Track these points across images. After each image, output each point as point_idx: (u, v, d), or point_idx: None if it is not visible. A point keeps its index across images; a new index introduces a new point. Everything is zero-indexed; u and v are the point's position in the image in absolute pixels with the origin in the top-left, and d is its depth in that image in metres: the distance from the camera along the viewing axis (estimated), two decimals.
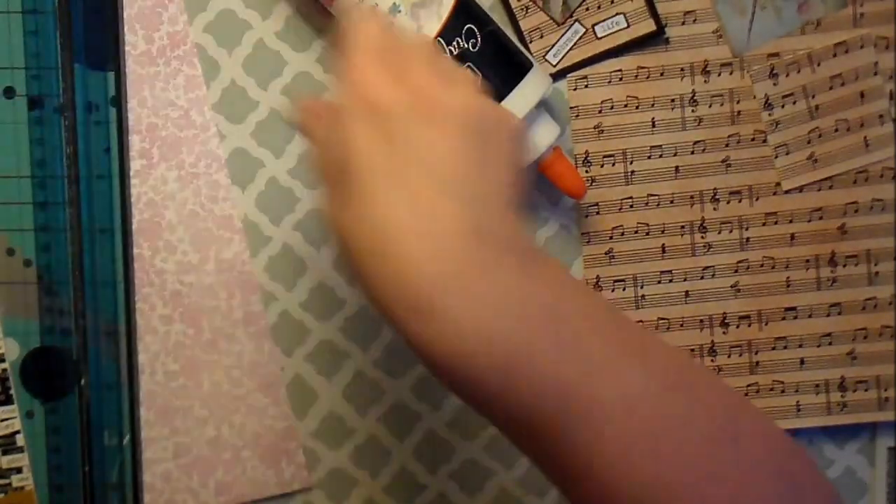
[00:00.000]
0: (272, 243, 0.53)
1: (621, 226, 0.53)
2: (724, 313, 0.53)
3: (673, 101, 0.52)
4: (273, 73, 0.52)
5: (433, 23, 0.46)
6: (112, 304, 0.51)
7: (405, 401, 0.53)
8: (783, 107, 0.52)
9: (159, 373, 0.52)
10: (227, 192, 0.52)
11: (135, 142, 0.52)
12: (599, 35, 0.52)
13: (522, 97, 0.46)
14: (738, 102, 0.52)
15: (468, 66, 0.46)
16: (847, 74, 0.52)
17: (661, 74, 0.52)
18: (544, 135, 0.48)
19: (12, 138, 0.50)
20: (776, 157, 0.52)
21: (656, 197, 0.52)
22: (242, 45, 0.52)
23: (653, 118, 0.52)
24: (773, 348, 0.53)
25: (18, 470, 0.51)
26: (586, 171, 0.52)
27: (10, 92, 0.50)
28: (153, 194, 0.52)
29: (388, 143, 0.33)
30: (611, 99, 0.52)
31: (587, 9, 0.51)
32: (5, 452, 0.51)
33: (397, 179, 0.33)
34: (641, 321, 0.53)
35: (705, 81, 0.52)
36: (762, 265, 0.53)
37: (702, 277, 0.53)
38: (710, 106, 0.52)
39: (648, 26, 0.51)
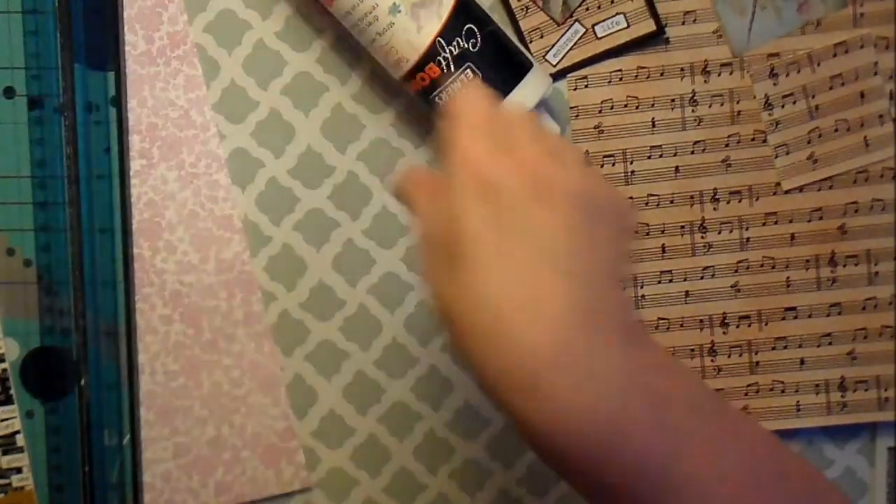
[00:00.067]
0: (272, 243, 0.53)
1: None
2: (724, 313, 0.53)
3: (673, 101, 0.52)
4: (273, 73, 0.52)
5: (433, 23, 0.46)
6: (112, 304, 0.51)
7: (405, 401, 0.54)
8: (783, 107, 0.52)
9: (159, 373, 0.52)
10: (227, 192, 0.52)
11: (135, 142, 0.52)
12: (599, 35, 0.52)
13: (522, 97, 0.46)
14: (738, 102, 0.52)
15: (468, 67, 0.46)
16: (847, 74, 0.52)
17: (661, 74, 0.52)
18: None
19: (12, 138, 0.50)
20: (776, 157, 0.52)
21: (656, 197, 0.52)
22: (242, 45, 0.52)
23: (653, 118, 0.52)
24: (773, 348, 0.53)
25: (18, 470, 0.51)
26: None
27: (10, 92, 0.50)
28: (153, 194, 0.52)
29: (500, 219, 0.34)
30: (611, 99, 0.52)
31: (587, 9, 0.51)
32: (5, 452, 0.51)
33: (508, 256, 0.33)
34: (641, 321, 0.53)
35: (705, 81, 0.52)
36: (762, 265, 0.53)
37: (702, 277, 0.53)
38: (710, 106, 0.52)
39: (648, 26, 0.51)
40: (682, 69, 0.52)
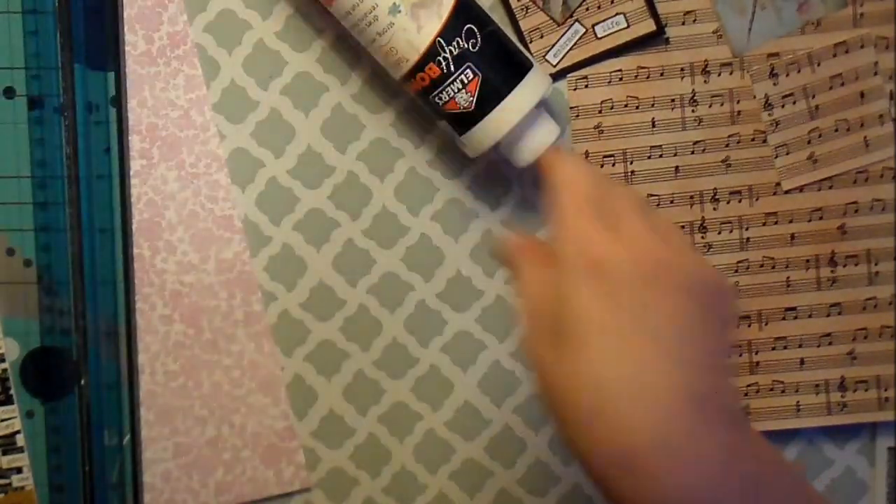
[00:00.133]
0: (272, 243, 0.53)
1: None
2: None
3: (673, 101, 0.52)
4: (273, 73, 0.52)
5: (433, 23, 0.46)
6: (112, 304, 0.51)
7: (405, 401, 0.54)
8: (783, 107, 0.52)
9: (159, 373, 0.52)
10: (227, 192, 0.52)
11: (135, 142, 0.52)
12: (599, 35, 0.52)
13: (522, 97, 0.46)
14: (738, 102, 0.52)
15: (468, 67, 0.46)
16: (847, 74, 0.52)
17: (661, 74, 0.52)
18: (544, 135, 0.48)
19: (12, 138, 0.50)
20: (776, 157, 0.52)
21: (656, 197, 0.52)
22: (242, 45, 0.52)
23: (653, 118, 0.52)
24: (773, 348, 0.53)
25: (18, 470, 0.51)
26: None
27: (10, 92, 0.50)
28: (153, 194, 0.52)
29: (610, 300, 0.34)
30: (611, 99, 0.52)
31: (587, 9, 0.51)
32: (5, 452, 0.51)
33: (618, 339, 0.34)
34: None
35: (705, 81, 0.52)
36: (762, 265, 0.53)
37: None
38: (710, 106, 0.52)
39: (648, 26, 0.51)
40: (682, 69, 0.52)
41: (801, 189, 0.53)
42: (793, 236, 0.53)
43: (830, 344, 0.53)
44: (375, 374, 0.53)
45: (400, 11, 0.45)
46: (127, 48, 0.51)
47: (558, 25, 0.52)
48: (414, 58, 0.46)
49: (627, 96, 0.52)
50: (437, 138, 0.53)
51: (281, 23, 0.52)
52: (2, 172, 0.51)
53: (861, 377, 0.53)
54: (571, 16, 0.51)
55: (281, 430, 0.53)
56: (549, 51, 0.52)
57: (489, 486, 0.54)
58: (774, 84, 0.52)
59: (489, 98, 0.46)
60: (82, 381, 0.51)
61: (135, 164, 0.52)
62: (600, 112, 0.52)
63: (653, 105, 0.52)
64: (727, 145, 0.52)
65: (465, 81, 0.46)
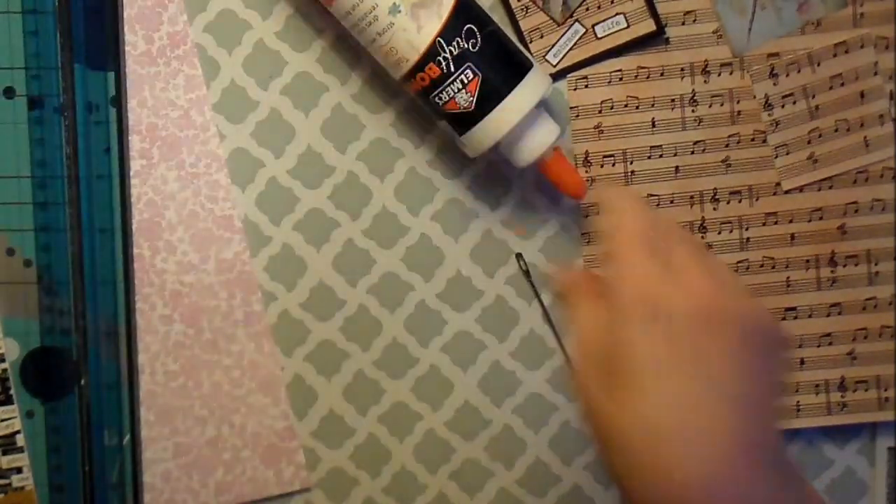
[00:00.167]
0: (272, 243, 0.53)
1: None
2: None
3: (673, 101, 0.52)
4: (273, 73, 0.52)
5: (433, 23, 0.46)
6: (112, 304, 0.51)
7: (405, 401, 0.54)
8: (783, 107, 0.52)
9: (159, 373, 0.52)
10: (227, 192, 0.52)
11: (135, 142, 0.52)
12: (599, 35, 0.52)
13: (522, 97, 0.46)
14: (738, 102, 0.52)
15: (468, 67, 0.46)
16: (847, 74, 0.52)
17: (661, 74, 0.52)
18: (544, 135, 0.48)
19: (12, 138, 0.50)
20: (776, 157, 0.52)
21: (656, 197, 0.52)
22: (242, 45, 0.52)
23: (653, 118, 0.52)
24: None
25: (18, 470, 0.51)
26: (586, 171, 0.52)
27: (10, 92, 0.50)
28: (153, 194, 0.52)
29: (668, 344, 0.34)
30: (611, 99, 0.52)
31: (587, 9, 0.51)
32: (5, 452, 0.51)
33: (674, 382, 0.34)
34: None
35: (705, 81, 0.52)
36: (762, 265, 0.53)
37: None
38: (710, 106, 0.52)
39: (648, 26, 0.51)
40: (682, 69, 0.52)
41: (801, 189, 0.53)
42: (793, 236, 0.53)
43: (830, 344, 0.53)
44: (375, 374, 0.53)
45: (400, 11, 0.45)
46: (127, 48, 0.51)
47: (558, 25, 0.52)
48: (414, 58, 0.46)
49: (627, 96, 0.52)
50: (437, 138, 0.53)
51: (281, 23, 0.52)
52: (2, 172, 0.51)
53: (861, 377, 0.53)
54: (571, 16, 0.51)
55: (281, 430, 0.53)
56: (549, 51, 0.52)
57: (489, 486, 0.54)
58: (774, 84, 0.52)
59: (489, 98, 0.46)
60: (82, 381, 0.51)
61: (135, 164, 0.52)
62: (600, 112, 0.52)
63: (653, 105, 0.52)
64: (727, 145, 0.52)
65: (465, 81, 0.46)
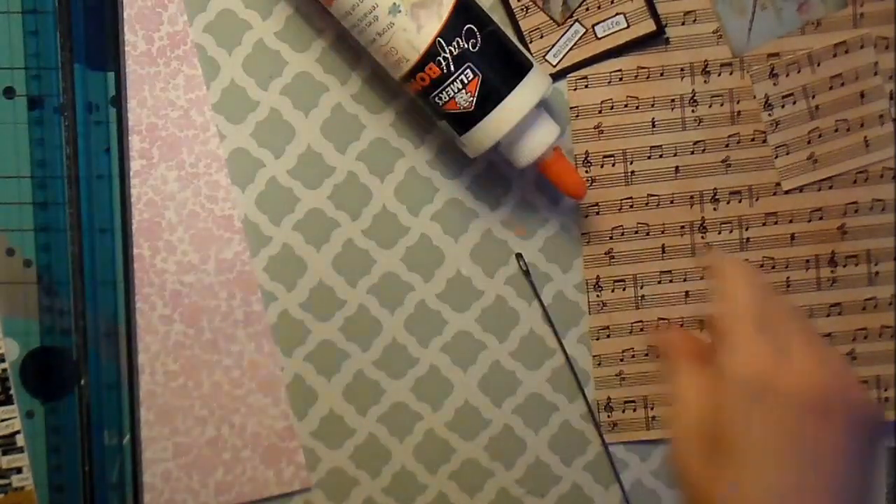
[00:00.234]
0: (272, 243, 0.53)
1: (621, 226, 0.53)
2: None
3: (673, 101, 0.52)
4: (273, 73, 0.52)
5: (433, 23, 0.46)
6: (112, 304, 0.51)
7: (405, 401, 0.54)
8: (783, 107, 0.52)
9: (159, 373, 0.52)
10: (227, 192, 0.52)
11: (135, 142, 0.52)
12: (599, 35, 0.52)
13: (522, 97, 0.46)
14: (738, 102, 0.52)
15: (468, 67, 0.46)
16: (847, 74, 0.52)
17: (661, 74, 0.52)
18: (544, 135, 0.48)
19: (12, 138, 0.50)
20: (776, 157, 0.52)
21: (656, 197, 0.52)
22: (242, 45, 0.52)
23: (653, 118, 0.52)
24: None
25: (18, 470, 0.51)
26: (586, 171, 0.52)
27: (10, 92, 0.50)
28: (153, 194, 0.52)
29: (775, 428, 0.34)
30: (611, 99, 0.52)
31: (587, 9, 0.51)
32: (5, 452, 0.51)
33: (779, 467, 0.34)
34: (641, 321, 0.53)
35: (705, 81, 0.52)
36: (762, 265, 0.53)
37: (702, 277, 0.53)
38: (710, 106, 0.52)
39: (648, 26, 0.51)
40: (682, 69, 0.52)
41: (801, 189, 0.53)
42: (793, 236, 0.53)
43: (830, 344, 0.53)
44: (375, 374, 0.53)
45: (400, 11, 0.45)
46: (127, 48, 0.51)
47: (558, 25, 0.52)
48: (414, 58, 0.46)
49: (627, 96, 0.52)
50: (437, 138, 0.53)
51: (281, 23, 0.52)
52: (2, 172, 0.51)
53: (861, 377, 0.53)
54: (571, 16, 0.51)
55: (281, 430, 0.53)
56: (549, 51, 0.52)
57: (489, 486, 0.54)
58: (774, 84, 0.52)
59: (489, 98, 0.46)
60: (82, 381, 0.51)
61: (135, 164, 0.52)
62: (600, 112, 0.52)
63: (653, 105, 0.52)
64: (727, 145, 0.52)
65: (465, 81, 0.46)
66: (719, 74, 0.52)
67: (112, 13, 0.51)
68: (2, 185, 0.51)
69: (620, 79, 0.52)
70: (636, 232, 0.53)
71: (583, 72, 0.52)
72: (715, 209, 0.53)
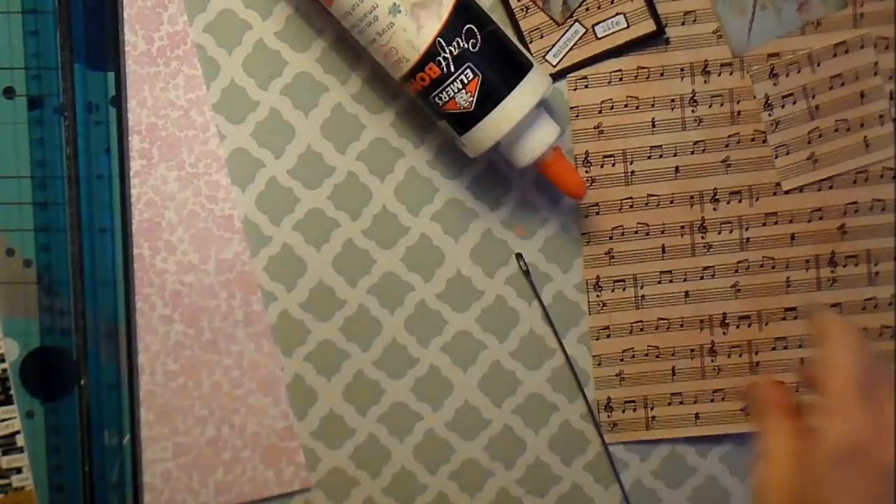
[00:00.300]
0: (272, 243, 0.53)
1: (621, 226, 0.53)
2: (724, 313, 0.53)
3: (673, 101, 0.52)
4: (273, 73, 0.52)
5: (433, 23, 0.46)
6: (112, 304, 0.51)
7: (405, 401, 0.54)
8: (783, 107, 0.52)
9: (159, 373, 0.52)
10: (227, 192, 0.52)
11: (135, 142, 0.52)
12: (599, 35, 0.52)
13: (522, 97, 0.46)
14: (738, 102, 0.52)
15: (468, 67, 0.46)
16: (847, 74, 0.52)
17: (661, 74, 0.52)
18: (544, 135, 0.48)
19: (12, 138, 0.50)
20: (776, 157, 0.52)
21: (656, 197, 0.52)
22: (242, 45, 0.52)
23: (653, 118, 0.52)
24: (773, 348, 0.53)
25: (18, 470, 0.51)
26: (586, 171, 0.52)
27: (10, 92, 0.50)
28: (153, 194, 0.52)
29: (866, 495, 0.34)
30: (611, 99, 0.52)
31: (587, 9, 0.51)
32: (5, 452, 0.51)
33: None
34: (641, 321, 0.53)
35: (705, 81, 0.52)
36: (762, 265, 0.53)
37: (702, 277, 0.53)
38: (710, 106, 0.52)
39: (648, 26, 0.51)
40: (682, 69, 0.52)
41: (801, 189, 0.53)
42: (793, 236, 0.53)
43: None
44: (375, 374, 0.53)
45: (400, 11, 0.45)
46: (127, 48, 0.51)
47: (558, 25, 0.52)
48: (414, 58, 0.46)
49: (627, 96, 0.52)
50: (437, 138, 0.53)
51: (281, 23, 0.52)
52: (2, 172, 0.51)
53: None
54: (571, 16, 0.51)
55: (281, 430, 0.53)
56: (549, 51, 0.52)
57: (489, 486, 0.54)
58: (774, 84, 0.52)
59: (489, 98, 0.46)
60: (82, 381, 0.51)
61: (135, 164, 0.52)
62: (600, 112, 0.52)
63: (653, 105, 0.52)
64: (727, 145, 0.52)
65: (465, 81, 0.46)
66: (719, 74, 0.52)
67: (112, 13, 0.51)
68: (2, 185, 0.51)
69: (620, 79, 0.52)
70: (636, 232, 0.53)
71: (583, 72, 0.52)
72: (715, 209, 0.53)
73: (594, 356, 0.53)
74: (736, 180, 0.52)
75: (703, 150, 0.52)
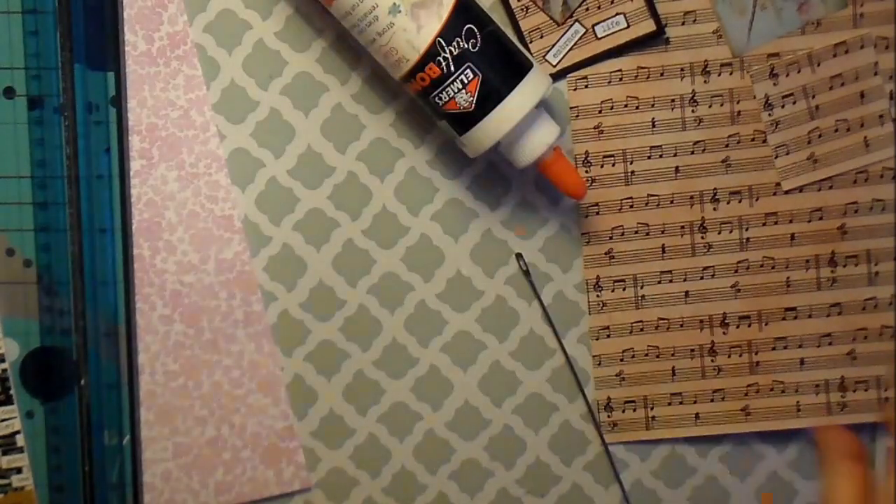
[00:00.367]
0: (272, 243, 0.53)
1: (621, 226, 0.53)
2: (724, 313, 0.53)
3: (673, 101, 0.52)
4: (273, 73, 0.52)
5: (433, 23, 0.46)
6: (112, 304, 0.51)
7: (405, 401, 0.54)
8: (783, 107, 0.52)
9: (159, 373, 0.52)
10: (227, 192, 0.52)
11: (135, 142, 0.52)
12: (599, 35, 0.52)
13: (522, 97, 0.46)
14: (738, 102, 0.52)
15: (468, 67, 0.46)
16: (847, 74, 0.52)
17: (661, 74, 0.52)
18: (544, 135, 0.48)
19: (12, 138, 0.50)
20: (776, 157, 0.52)
21: (656, 197, 0.52)
22: (242, 45, 0.52)
23: (653, 118, 0.52)
24: (773, 348, 0.53)
25: (18, 470, 0.51)
26: (586, 171, 0.52)
27: (10, 92, 0.50)
28: (153, 194, 0.52)
29: None
30: (611, 99, 0.52)
31: (587, 9, 0.51)
32: (5, 452, 0.51)
33: None
34: (641, 321, 0.53)
35: (705, 81, 0.52)
36: (762, 265, 0.53)
37: (702, 277, 0.53)
38: (710, 106, 0.52)
39: (648, 26, 0.51)
40: (682, 69, 0.52)
41: (801, 189, 0.53)
42: (793, 236, 0.53)
43: (830, 344, 0.53)
44: (375, 374, 0.53)
45: (400, 11, 0.45)
46: (127, 48, 0.51)
47: (558, 25, 0.52)
48: (414, 58, 0.46)
49: (627, 96, 0.52)
50: (437, 138, 0.53)
51: (281, 23, 0.52)
52: (2, 172, 0.51)
53: (861, 377, 0.53)
54: (571, 16, 0.51)
55: (281, 430, 0.53)
56: (549, 51, 0.52)
57: (489, 486, 0.54)
58: (774, 84, 0.52)
59: (489, 98, 0.46)
60: (82, 381, 0.51)
61: (135, 164, 0.52)
62: (600, 112, 0.52)
63: (653, 105, 0.52)
64: (727, 145, 0.52)
65: (465, 81, 0.46)
66: (719, 74, 0.52)
67: (112, 13, 0.51)
68: (2, 185, 0.51)
69: (620, 79, 0.52)
70: (636, 232, 0.53)
71: (583, 72, 0.52)
72: (715, 209, 0.53)
73: (594, 356, 0.53)
74: (736, 180, 0.52)
75: (703, 150, 0.52)
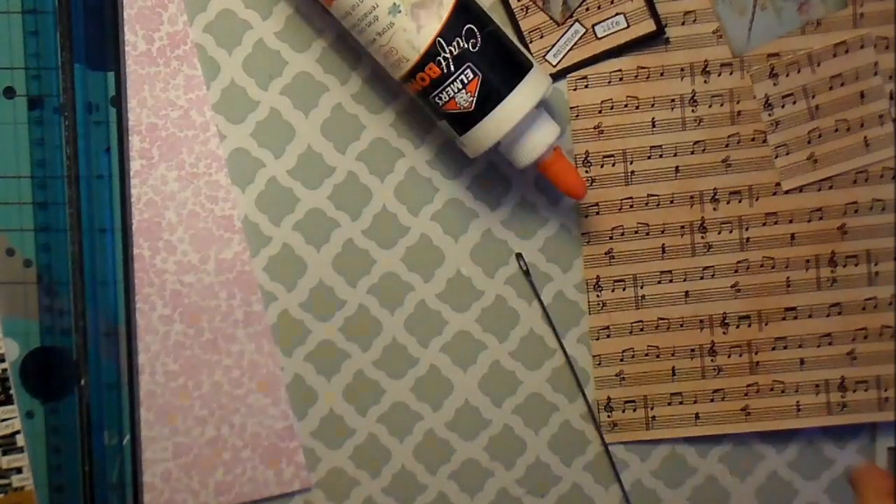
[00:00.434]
0: (272, 243, 0.53)
1: (621, 226, 0.53)
2: (724, 313, 0.53)
3: (673, 101, 0.52)
4: (273, 73, 0.52)
5: (433, 23, 0.46)
6: (112, 304, 0.51)
7: (405, 401, 0.54)
8: (783, 107, 0.52)
9: (159, 373, 0.52)
10: (227, 192, 0.52)
11: (135, 142, 0.52)
12: (599, 35, 0.52)
13: (522, 97, 0.46)
14: (738, 102, 0.52)
15: (468, 67, 0.46)
16: (847, 74, 0.52)
17: (661, 74, 0.52)
18: (544, 135, 0.48)
19: (12, 138, 0.50)
20: (776, 157, 0.52)
21: (656, 197, 0.52)
22: (242, 45, 0.52)
23: (653, 118, 0.52)
24: (773, 348, 0.53)
25: (18, 470, 0.51)
26: (586, 171, 0.52)
27: (10, 92, 0.50)
28: (153, 194, 0.52)
29: None
30: (611, 99, 0.52)
31: (587, 9, 0.51)
32: (5, 452, 0.51)
33: None
34: (641, 321, 0.53)
35: (705, 81, 0.52)
36: (762, 265, 0.53)
37: (702, 277, 0.53)
38: (710, 106, 0.52)
39: (648, 26, 0.51)
40: (682, 69, 0.52)
41: (801, 189, 0.53)
42: (793, 236, 0.53)
43: (830, 344, 0.53)
44: (375, 374, 0.53)
45: (400, 11, 0.45)
46: (127, 48, 0.51)
47: (558, 25, 0.52)
48: (414, 58, 0.46)
49: (627, 96, 0.52)
50: (437, 138, 0.53)
51: (281, 23, 0.52)
52: (2, 172, 0.51)
53: (861, 377, 0.53)
54: (571, 16, 0.51)
55: (281, 430, 0.53)
56: (549, 51, 0.52)
57: (489, 486, 0.54)
58: (774, 84, 0.52)
59: (489, 98, 0.46)
60: (82, 381, 0.51)
61: (135, 164, 0.52)
62: (600, 112, 0.52)
63: (653, 105, 0.52)
64: (727, 145, 0.52)
65: (465, 81, 0.46)
66: (719, 74, 0.52)
67: (112, 13, 0.51)
68: (2, 185, 0.51)
69: (620, 79, 0.52)
70: (636, 232, 0.53)
71: (583, 72, 0.52)
72: (715, 209, 0.53)
73: (594, 356, 0.53)
74: (736, 180, 0.52)
75: (703, 150, 0.52)
